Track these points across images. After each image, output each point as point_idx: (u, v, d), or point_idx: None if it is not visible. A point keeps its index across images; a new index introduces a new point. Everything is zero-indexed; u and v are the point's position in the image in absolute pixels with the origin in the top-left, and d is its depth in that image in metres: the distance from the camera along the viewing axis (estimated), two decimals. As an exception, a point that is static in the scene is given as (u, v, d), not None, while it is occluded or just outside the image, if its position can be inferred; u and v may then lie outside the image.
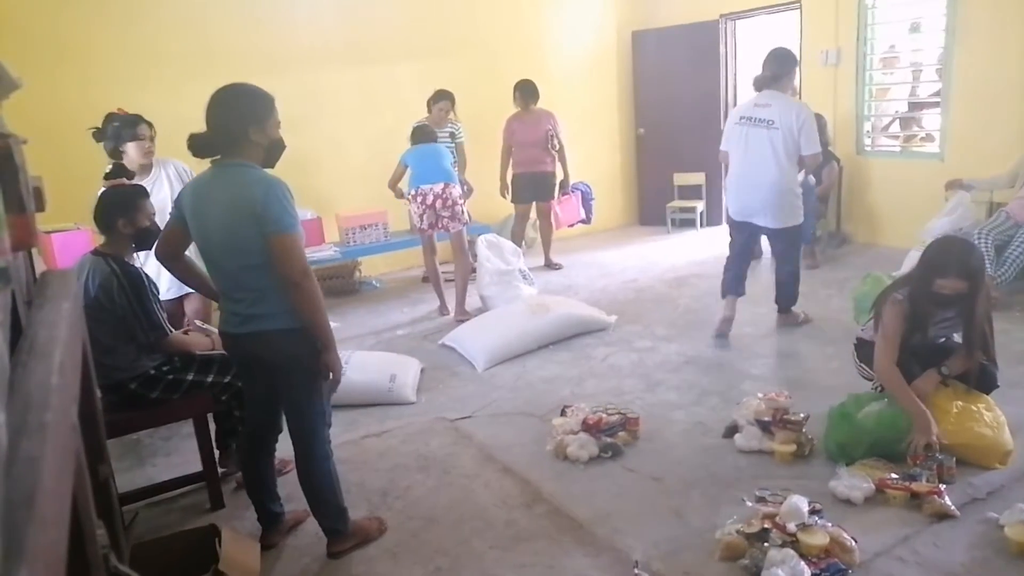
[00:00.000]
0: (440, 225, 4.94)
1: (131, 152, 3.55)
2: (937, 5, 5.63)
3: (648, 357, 4.17)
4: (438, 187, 4.86)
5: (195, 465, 2.90)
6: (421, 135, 5.15)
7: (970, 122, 5.47)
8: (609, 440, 3.08)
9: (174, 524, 2.76)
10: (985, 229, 4.65)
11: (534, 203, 6.34)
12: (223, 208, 2.17)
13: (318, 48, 5.97)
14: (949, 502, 2.47)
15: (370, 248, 5.79)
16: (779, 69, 4.13)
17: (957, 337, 2.95)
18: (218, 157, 2.24)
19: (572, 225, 6.60)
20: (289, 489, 2.71)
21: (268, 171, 2.25)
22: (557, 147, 6.12)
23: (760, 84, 4.19)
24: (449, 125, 5.71)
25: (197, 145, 2.22)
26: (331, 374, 2.32)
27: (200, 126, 2.22)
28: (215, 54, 5.37)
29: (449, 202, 4.87)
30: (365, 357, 4.02)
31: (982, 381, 2.91)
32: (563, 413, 3.34)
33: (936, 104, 5.85)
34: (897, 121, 6.59)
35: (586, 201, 6.61)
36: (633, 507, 2.67)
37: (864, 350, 3.13)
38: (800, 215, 4.26)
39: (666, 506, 2.67)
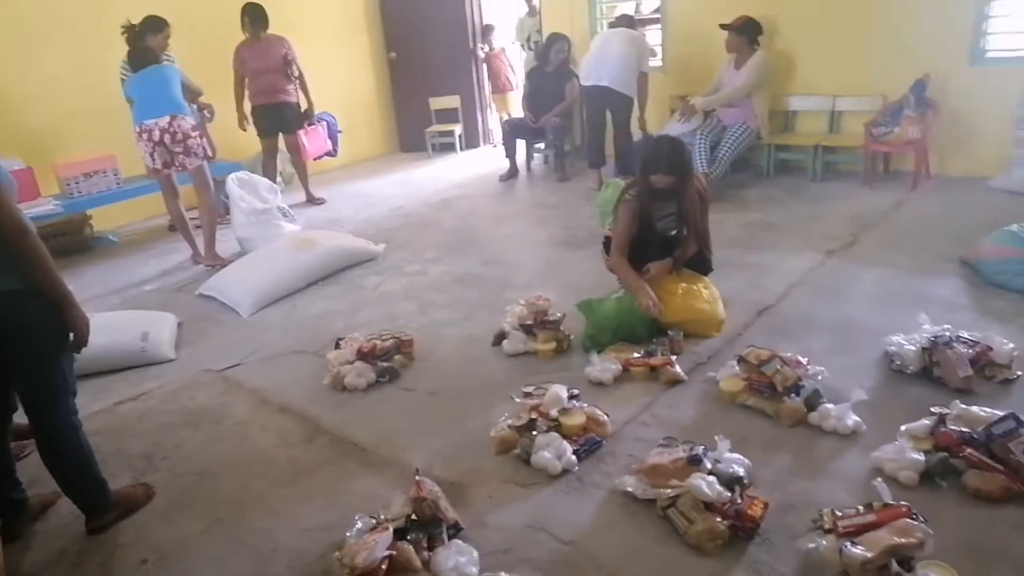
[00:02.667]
0: (176, 164, 4.47)
1: None
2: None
3: (419, 280, 4.25)
4: (163, 120, 4.35)
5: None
6: (138, 58, 4.51)
7: (686, 36, 6.09)
8: (386, 364, 3.14)
9: None
10: (703, 131, 5.31)
11: (281, 136, 6.00)
12: None
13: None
14: (679, 370, 2.88)
15: (100, 198, 5.14)
16: (629, 23, 5.78)
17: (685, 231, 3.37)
18: None
19: (319, 158, 6.41)
20: (32, 472, 2.43)
21: None
22: (296, 75, 5.81)
23: (616, 24, 5.81)
24: (165, 56, 5.10)
25: None
26: (74, 335, 2.09)
27: None
28: None
29: (179, 136, 4.38)
30: (109, 318, 3.63)
31: (700, 266, 3.38)
32: (337, 346, 3.31)
33: (657, 20, 6.40)
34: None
35: (332, 132, 6.44)
36: (413, 424, 2.77)
37: (610, 247, 3.46)
38: (633, 93, 5.63)
39: (444, 417, 2.80)
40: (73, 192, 5.03)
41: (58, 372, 2.13)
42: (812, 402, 2.50)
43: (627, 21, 5.80)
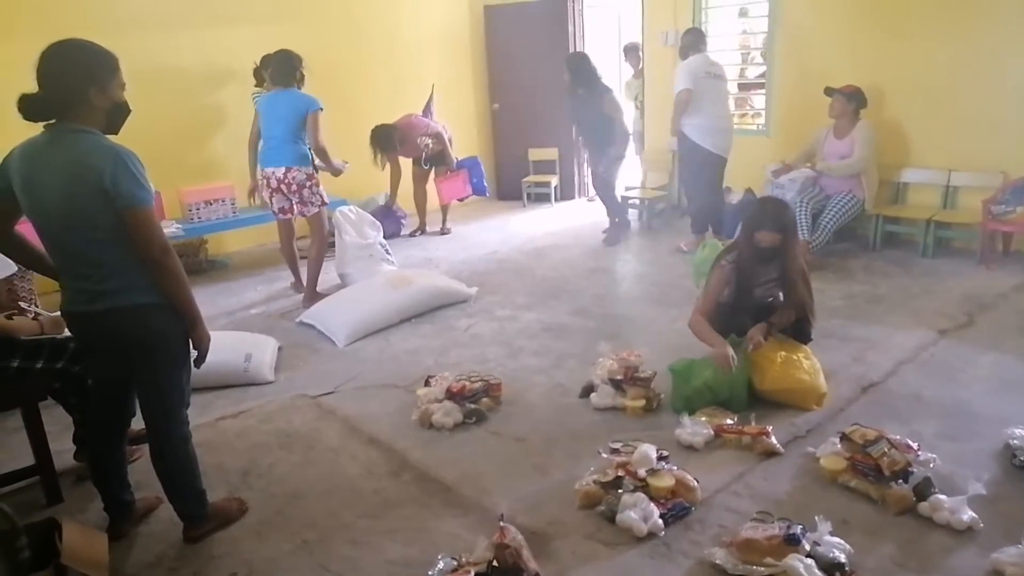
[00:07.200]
0: (293, 210, 4.67)
1: None
2: (762, -8, 6.10)
3: (509, 325, 4.29)
4: (279, 172, 4.56)
5: (24, 459, 2.66)
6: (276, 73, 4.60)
7: (790, 102, 6.02)
8: (473, 406, 3.16)
9: (4, 525, 2.51)
10: (804, 199, 5.18)
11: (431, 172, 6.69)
12: (62, 180, 1.97)
13: (154, 8, 5.52)
14: (775, 441, 2.77)
15: (217, 224, 5.49)
16: (695, 41, 5.46)
17: (781, 296, 3.29)
18: (52, 121, 2.02)
19: (462, 199, 6.95)
20: (138, 476, 2.56)
21: (112, 138, 2.08)
22: (431, 144, 6.41)
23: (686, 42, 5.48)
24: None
25: (29, 107, 1.97)
26: (197, 350, 2.24)
27: (10, 90, 1.99)
28: (32, 9, 4.81)
29: (294, 187, 4.57)
30: (217, 337, 3.76)
31: (799, 333, 3.27)
32: (427, 383, 3.37)
33: (762, 85, 6.37)
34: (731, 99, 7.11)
35: (474, 175, 6.87)
36: (498, 468, 2.77)
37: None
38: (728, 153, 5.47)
39: (529, 464, 2.78)
40: (194, 217, 5.39)
41: (178, 384, 2.26)
42: (923, 491, 2.34)
43: (693, 38, 5.46)
